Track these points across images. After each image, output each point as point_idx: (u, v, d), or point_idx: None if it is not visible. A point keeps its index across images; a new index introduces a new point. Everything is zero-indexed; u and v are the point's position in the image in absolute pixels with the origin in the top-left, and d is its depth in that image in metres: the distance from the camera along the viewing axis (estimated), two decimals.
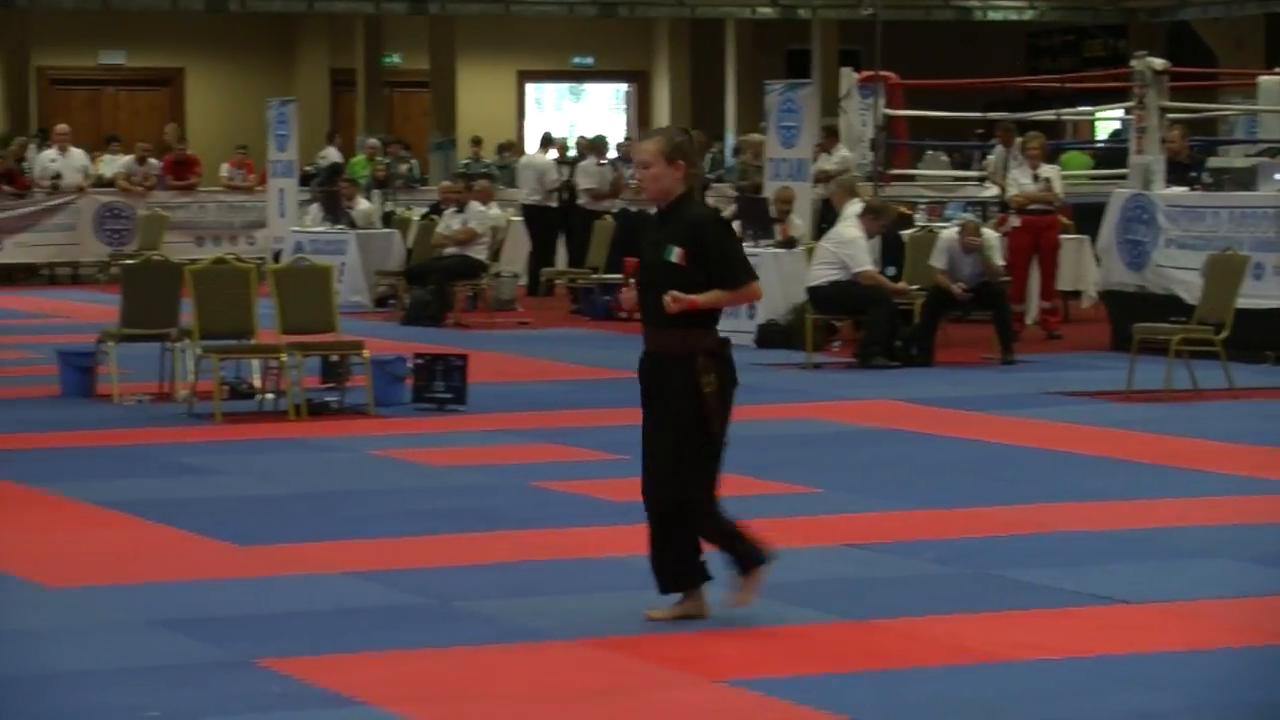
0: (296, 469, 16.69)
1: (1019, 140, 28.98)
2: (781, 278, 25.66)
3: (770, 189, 27.91)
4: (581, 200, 34.30)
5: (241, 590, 11.93)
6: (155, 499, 14.96)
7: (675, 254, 10.79)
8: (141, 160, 39.81)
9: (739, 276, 11.00)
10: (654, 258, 10.99)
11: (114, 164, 39.92)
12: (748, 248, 26.43)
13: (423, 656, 10.39)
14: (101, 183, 39.16)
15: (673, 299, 10.65)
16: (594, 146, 36.43)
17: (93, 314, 27.18)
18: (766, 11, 43.15)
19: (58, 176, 38.87)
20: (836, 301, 24.03)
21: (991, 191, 29.24)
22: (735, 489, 15.32)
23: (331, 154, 40.71)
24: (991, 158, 30.83)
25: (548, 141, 37.80)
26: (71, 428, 18.92)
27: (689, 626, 10.93)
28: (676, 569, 11.01)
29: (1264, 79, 32.25)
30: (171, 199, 38.67)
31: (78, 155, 39.37)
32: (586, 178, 34.65)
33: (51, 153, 39.54)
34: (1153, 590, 11.88)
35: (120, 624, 11.14)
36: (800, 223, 26.52)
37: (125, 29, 43.59)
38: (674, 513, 11.01)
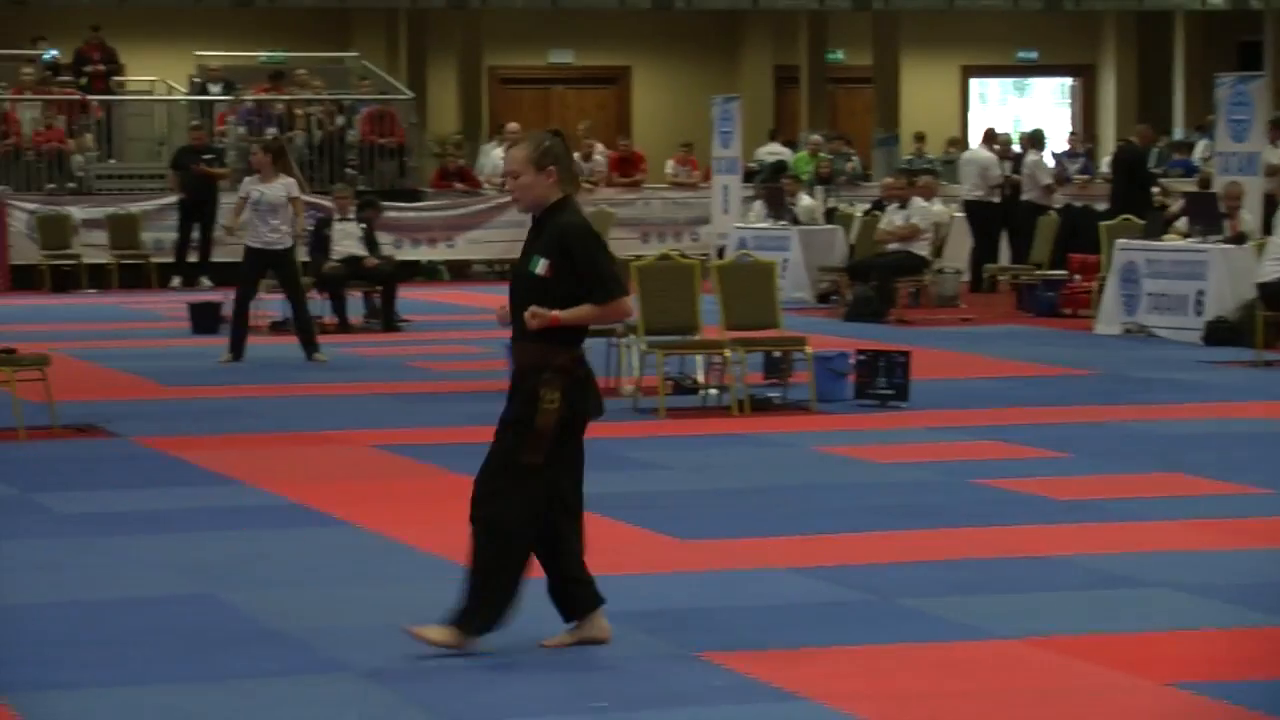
0: (739, 464, 16.72)
1: None
2: (1231, 274, 25.36)
3: (1219, 184, 27.56)
4: (1026, 195, 34.07)
5: (684, 584, 11.99)
6: (600, 493, 14.98)
7: (541, 265, 10.32)
8: (587, 157, 40.17)
9: (609, 290, 10.45)
10: (520, 268, 10.54)
11: None
12: (1194, 244, 26.30)
13: (865, 653, 10.35)
14: None
15: (532, 314, 10.16)
16: (1033, 141, 36.24)
17: None
18: (1217, 2, 42.70)
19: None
20: None
21: None
22: (1182, 489, 15.23)
23: (779, 150, 40.85)
24: None
25: (990, 137, 37.61)
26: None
27: (1134, 627, 10.84)
28: (561, 593, 10.53)
29: None
30: (617, 196, 38.97)
31: None
32: (1039, 171, 34.46)
33: (501, 151, 40.03)
34: None
35: None
36: (1250, 218, 26.17)
37: (573, 28, 44.05)
38: (485, 532, 10.34)
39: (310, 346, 23.96)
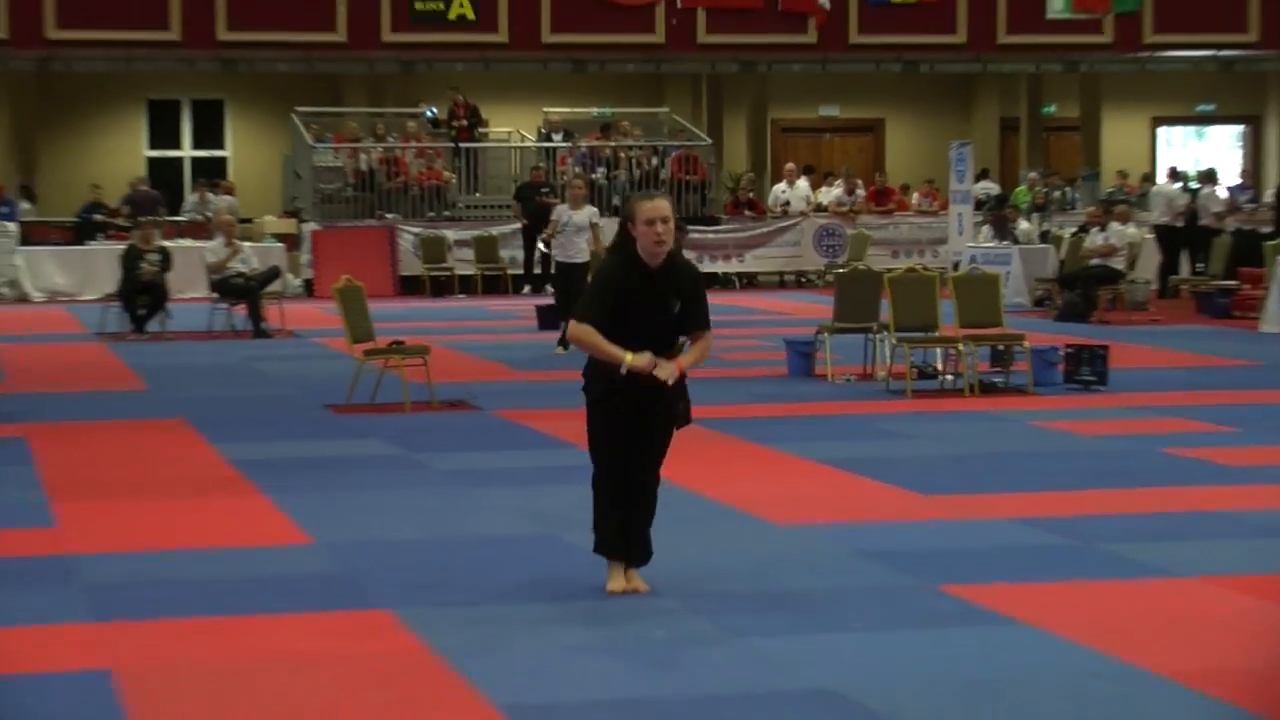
0: (970, 435, 16.63)
1: None
2: None
3: None
4: (1204, 221, 33.78)
5: (925, 530, 11.93)
6: (858, 457, 15.04)
7: (678, 306, 9.59)
8: (850, 191, 40.14)
9: (709, 325, 9.87)
10: (653, 310, 9.52)
11: (829, 194, 40.33)
12: None
13: (1071, 588, 10.28)
14: (820, 209, 39.59)
15: (671, 374, 9.47)
16: (1208, 177, 35.88)
17: (812, 311, 27.42)
18: None
19: (786, 204, 39.46)
20: None
21: None
22: None
23: (990, 185, 40.76)
24: None
25: (1174, 174, 37.22)
26: (794, 400, 19.11)
27: None
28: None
29: None
30: (874, 221, 38.92)
31: (802, 187, 39.88)
32: (1212, 203, 34.20)
33: (781, 186, 40.13)
34: None
35: (832, 553, 11.24)
36: None
37: (838, 88, 43.96)
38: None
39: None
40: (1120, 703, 8.05)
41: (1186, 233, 33.87)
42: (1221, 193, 35.14)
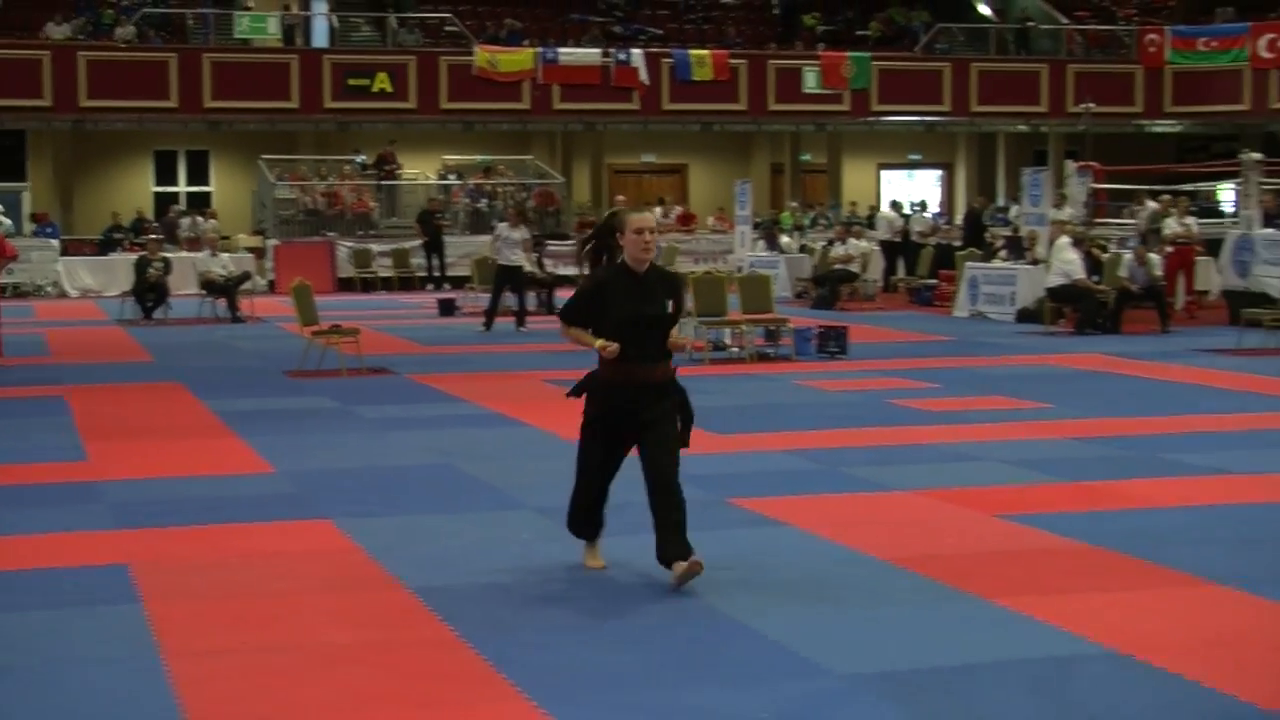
0: (750, 391, 16.67)
1: (1178, 200, 28.63)
2: (1030, 282, 25.32)
3: (1024, 231, 27.39)
4: (914, 237, 34.07)
5: (718, 459, 11.93)
6: None
7: (669, 306, 8.03)
8: (666, 214, 40.14)
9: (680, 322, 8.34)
10: (647, 311, 7.91)
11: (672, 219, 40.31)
12: (1009, 264, 26.09)
13: (822, 499, 10.32)
14: None
15: (680, 342, 8.12)
16: (923, 206, 36.24)
17: None
18: (1023, 128, 42.44)
19: None
20: (1064, 296, 23.55)
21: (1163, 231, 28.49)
22: (1006, 405, 15.17)
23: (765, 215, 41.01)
24: (1144, 212, 30.24)
25: (894, 204, 37.50)
26: None
27: (976, 483, 10.79)
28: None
29: None
30: (680, 237, 38.92)
31: None
32: (919, 224, 34.51)
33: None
34: (1255, 466, 11.51)
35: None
36: (1041, 250, 25.98)
37: (656, 141, 43.85)
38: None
39: (520, 323, 24.18)
40: (855, 580, 8.11)
41: (902, 246, 34.08)
42: (928, 217, 35.45)
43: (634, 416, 7.96)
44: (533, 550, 8.85)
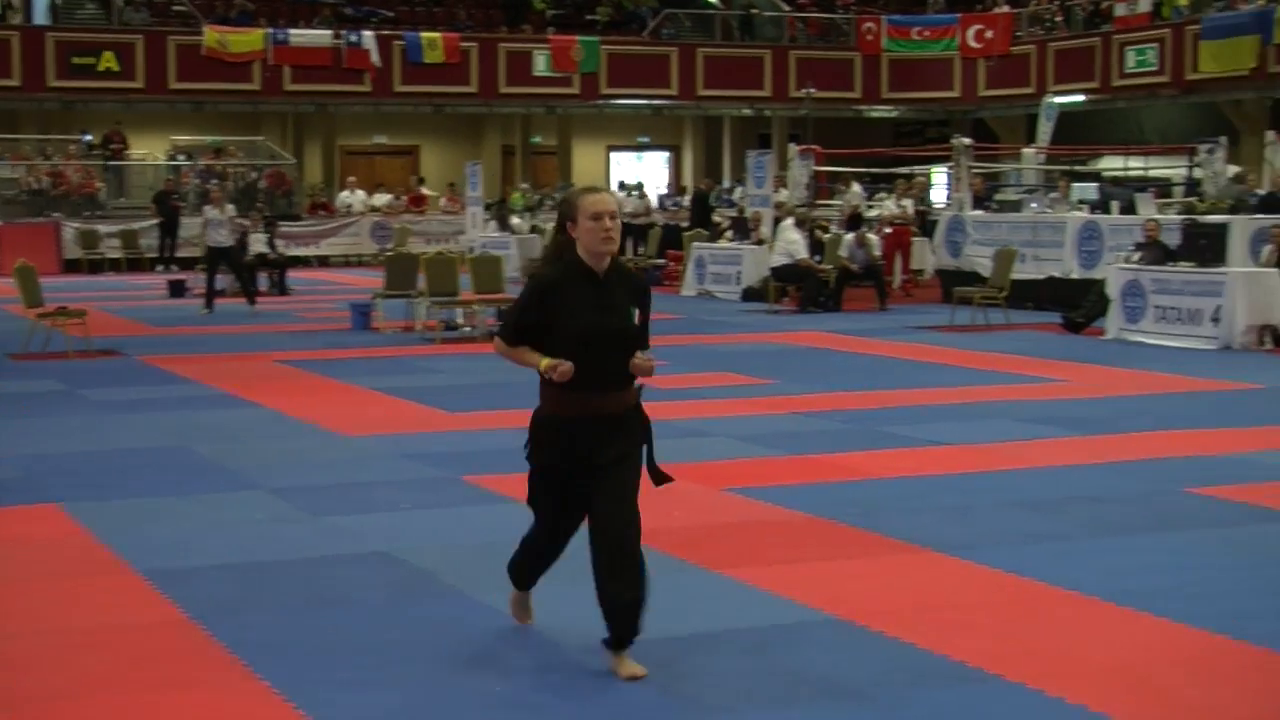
0: (483, 369, 16.57)
1: (911, 181, 29.38)
2: (755, 262, 25.74)
3: (749, 213, 27.82)
4: (633, 217, 34.42)
5: (452, 438, 11.93)
6: (403, 386, 14.97)
7: (636, 316, 6.15)
8: (397, 197, 39.88)
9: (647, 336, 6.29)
10: (612, 323, 6.02)
11: (381, 199, 39.90)
12: (735, 245, 26.50)
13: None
14: (374, 209, 39.18)
15: (648, 362, 6.10)
16: (636, 188, 36.64)
17: (369, 283, 27.14)
18: (748, 112, 43.02)
19: (350, 206, 39.01)
20: (787, 275, 23.99)
21: (874, 212, 29.14)
22: (732, 381, 15.38)
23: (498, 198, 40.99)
24: (849, 194, 30.81)
25: (623, 185, 37.80)
26: (357, 346, 18.92)
27: (705, 458, 10.91)
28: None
29: (1025, 150, 32.16)
30: (412, 218, 38.70)
31: (360, 194, 39.45)
32: (630, 205, 34.92)
33: (346, 193, 39.62)
34: (966, 437, 11.86)
35: (385, 456, 11.16)
36: (765, 230, 26.44)
37: (387, 122, 43.44)
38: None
39: (251, 301, 24.13)
40: (584, 555, 8.13)
41: (633, 227, 34.34)
42: (653, 198, 35.75)
43: (587, 469, 5.98)
44: (265, 531, 8.72)
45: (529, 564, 6.50)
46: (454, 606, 7.13)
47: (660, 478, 6.17)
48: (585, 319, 5.93)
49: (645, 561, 5.97)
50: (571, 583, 6.62)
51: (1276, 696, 5.92)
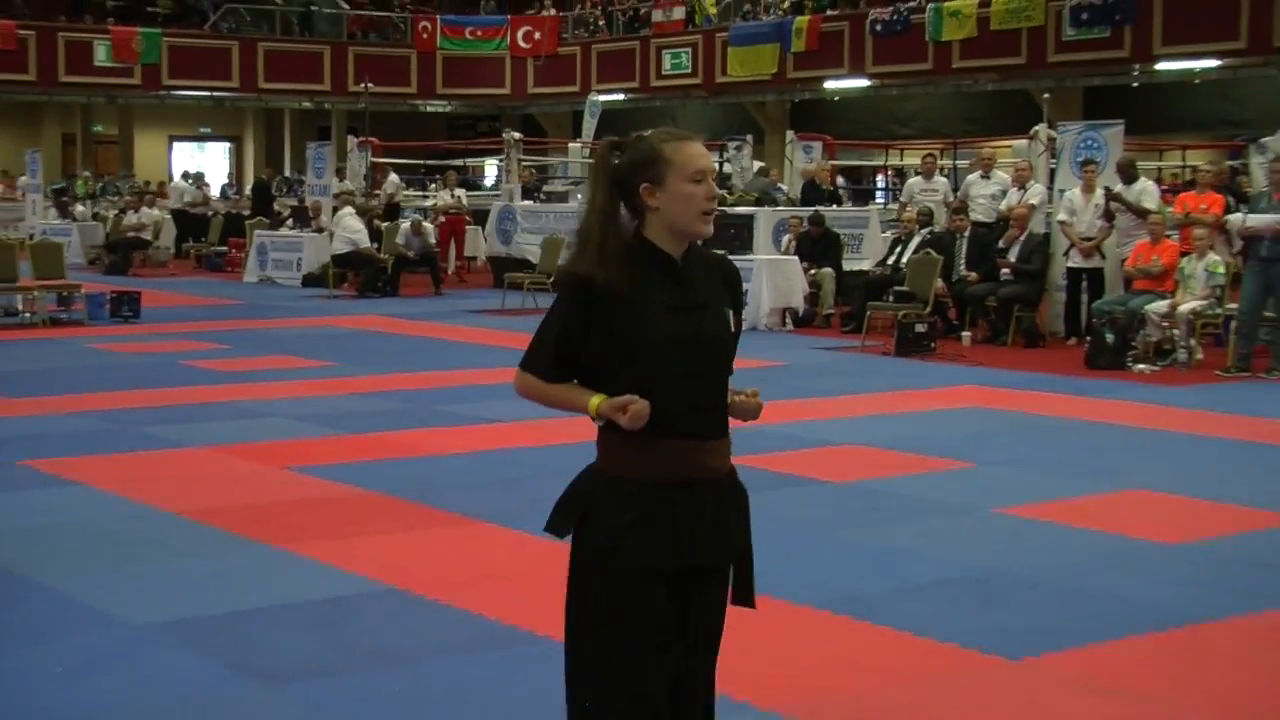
0: (44, 355, 15.97)
1: (446, 174, 29.38)
2: (316, 249, 25.49)
3: (309, 200, 27.49)
4: (196, 209, 33.57)
5: (14, 422, 11.39)
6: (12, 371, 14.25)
7: (732, 318, 3.51)
8: None
9: None
10: (696, 330, 3.40)
11: None
12: (295, 232, 26.10)
13: (116, 458, 10.02)
14: None
15: (755, 397, 3.50)
16: (196, 178, 35.75)
17: None
18: (308, 105, 42.38)
19: None
20: (347, 261, 23.83)
21: (429, 202, 29.11)
22: (285, 364, 15.13)
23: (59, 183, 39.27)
24: (387, 184, 30.47)
25: (185, 175, 36.78)
26: None
27: (272, 438, 10.72)
28: None
29: (571, 144, 32.72)
30: None
31: None
32: (187, 194, 34.03)
33: None
34: (517, 414, 11.90)
35: None
36: (325, 218, 26.14)
37: None
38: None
39: None
40: (150, 535, 7.90)
41: (196, 217, 33.37)
42: (192, 188, 34.77)
43: (693, 561, 3.45)
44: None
45: None
46: (8, 588, 6.80)
47: (748, 597, 3.61)
48: (666, 327, 3.38)
49: None
50: None
51: None
